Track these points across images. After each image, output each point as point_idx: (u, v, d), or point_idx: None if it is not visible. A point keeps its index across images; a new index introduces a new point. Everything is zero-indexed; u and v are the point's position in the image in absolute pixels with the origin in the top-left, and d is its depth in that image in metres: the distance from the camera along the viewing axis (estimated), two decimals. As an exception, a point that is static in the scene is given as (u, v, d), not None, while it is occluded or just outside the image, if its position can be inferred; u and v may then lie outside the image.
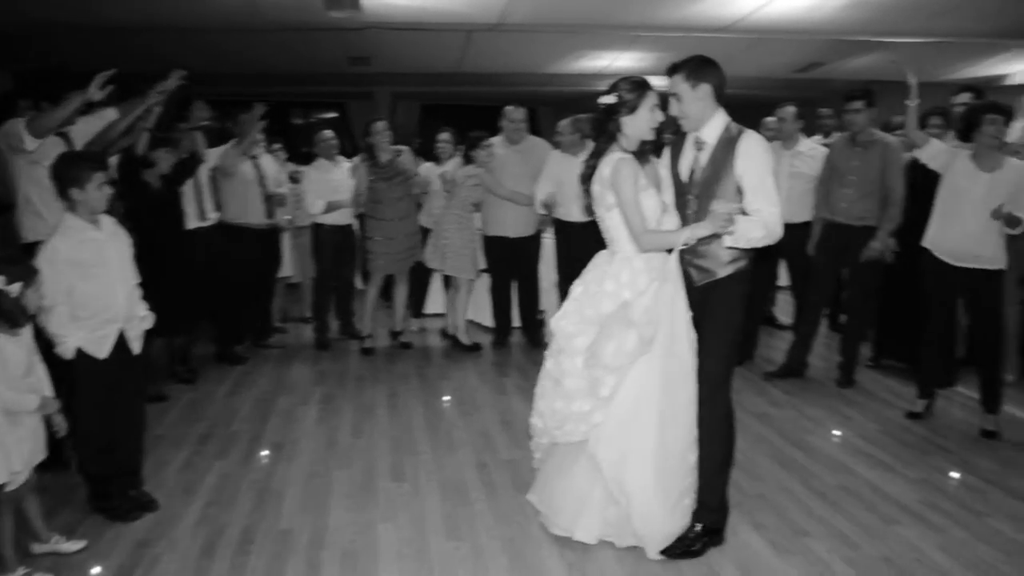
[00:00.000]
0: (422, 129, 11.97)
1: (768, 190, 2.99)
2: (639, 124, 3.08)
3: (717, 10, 6.30)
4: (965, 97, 5.78)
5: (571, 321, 3.18)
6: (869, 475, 3.84)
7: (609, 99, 3.08)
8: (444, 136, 6.76)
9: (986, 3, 6.00)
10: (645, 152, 3.16)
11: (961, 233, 4.33)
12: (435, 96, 13.20)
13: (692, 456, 3.10)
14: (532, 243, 6.19)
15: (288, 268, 6.87)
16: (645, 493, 3.01)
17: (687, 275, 3.07)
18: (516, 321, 6.55)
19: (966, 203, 4.30)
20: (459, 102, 13.80)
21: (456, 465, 4.00)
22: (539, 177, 5.92)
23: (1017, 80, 8.33)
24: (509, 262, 6.25)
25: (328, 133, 6.44)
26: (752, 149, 3.00)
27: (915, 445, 4.28)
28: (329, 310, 6.51)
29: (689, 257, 3.07)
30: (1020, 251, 5.09)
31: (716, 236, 2.95)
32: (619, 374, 3.00)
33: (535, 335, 6.37)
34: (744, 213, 2.94)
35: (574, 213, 5.81)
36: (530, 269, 6.29)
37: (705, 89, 3.01)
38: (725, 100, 3.10)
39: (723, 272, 3.08)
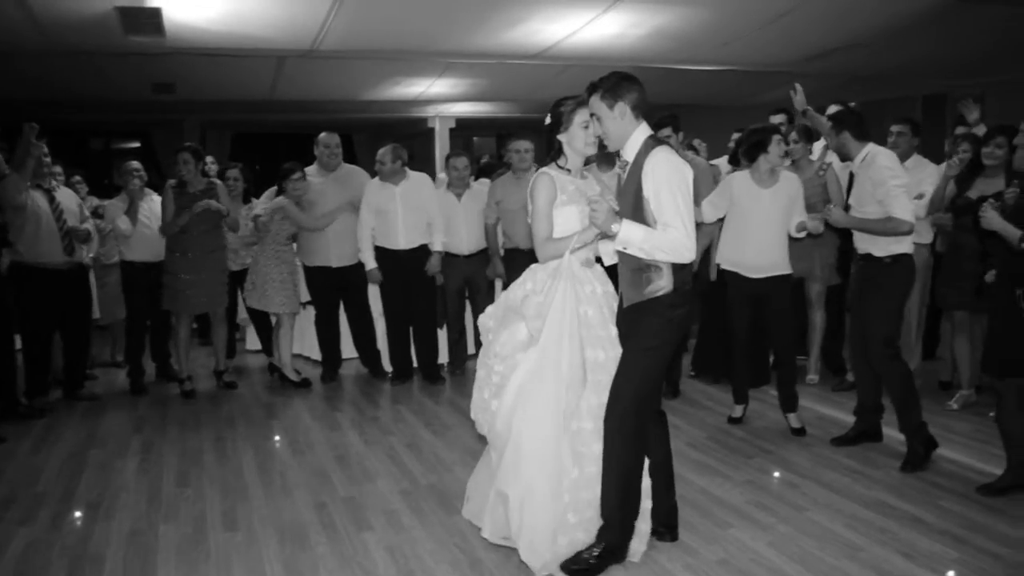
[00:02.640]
0: (233, 159, 11.54)
1: (672, 209, 2.89)
2: (573, 141, 3.19)
3: (528, 38, 6.53)
4: (780, 118, 6.28)
5: (490, 315, 3.35)
6: (701, 482, 4.04)
7: (547, 119, 3.23)
8: (233, 173, 6.47)
9: (756, 38, 6.66)
10: (601, 163, 3.26)
11: (755, 247, 4.67)
12: (247, 124, 12.78)
13: (587, 469, 3.09)
14: (356, 272, 6.05)
15: (95, 309, 6.37)
16: (522, 492, 3.04)
17: (621, 296, 3.17)
18: (348, 353, 6.41)
19: (753, 219, 4.66)
20: (272, 131, 13.45)
21: (292, 508, 3.83)
22: (359, 206, 5.84)
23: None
24: (334, 292, 6.10)
25: (134, 164, 6.03)
26: (657, 167, 2.92)
27: (739, 449, 4.55)
28: (144, 352, 6.09)
29: (624, 277, 3.11)
30: (823, 258, 5.58)
31: (606, 236, 3.01)
32: (508, 363, 3.16)
33: (376, 367, 6.25)
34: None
35: (399, 241, 5.80)
36: (359, 298, 6.16)
37: (622, 107, 2.97)
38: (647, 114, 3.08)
39: (638, 297, 3.01)
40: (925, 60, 7.76)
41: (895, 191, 4.05)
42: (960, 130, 5.50)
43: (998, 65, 8.04)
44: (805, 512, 3.68)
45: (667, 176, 2.91)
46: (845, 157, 4.37)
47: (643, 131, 3.02)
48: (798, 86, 5.26)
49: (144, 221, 5.87)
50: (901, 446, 4.35)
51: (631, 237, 2.91)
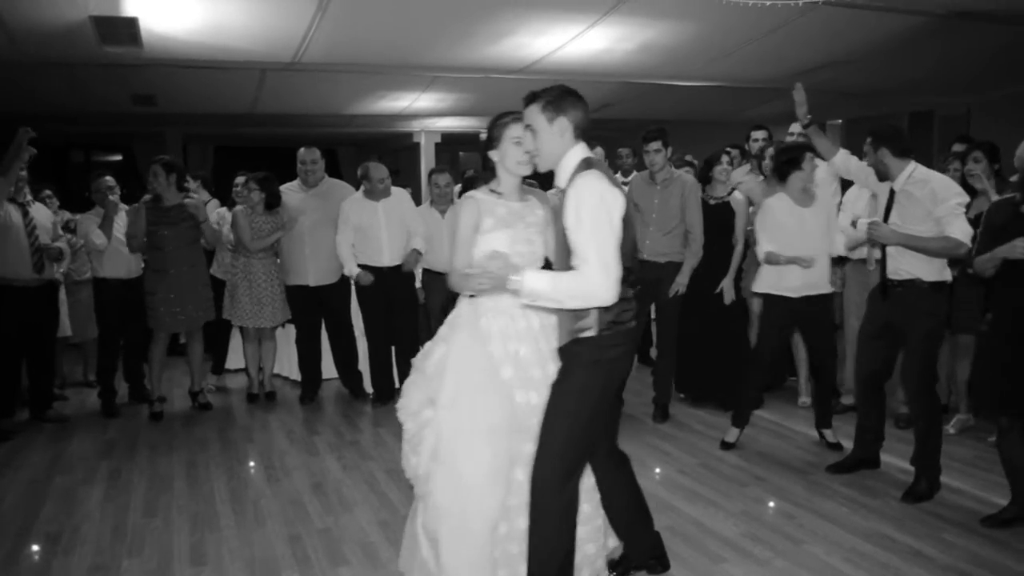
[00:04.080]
0: (215, 172, 11.39)
1: (588, 244, 2.50)
2: (505, 158, 2.90)
3: (514, 52, 6.42)
4: (760, 134, 6.17)
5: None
6: (693, 512, 3.87)
7: (482, 135, 2.97)
8: (241, 180, 6.29)
9: (745, 54, 6.59)
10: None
11: (801, 268, 4.52)
12: (229, 138, 12.62)
13: (516, 522, 2.82)
14: (336, 290, 5.89)
15: (66, 327, 6.15)
16: (439, 547, 2.79)
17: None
18: (328, 373, 6.22)
19: (796, 239, 4.52)
20: (255, 144, 13.29)
21: (264, 540, 3.63)
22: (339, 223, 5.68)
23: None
24: (314, 311, 5.93)
25: (108, 179, 5.81)
26: (578, 193, 2.55)
27: (732, 476, 4.38)
28: (116, 372, 5.86)
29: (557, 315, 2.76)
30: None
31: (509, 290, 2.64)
32: (418, 420, 2.89)
33: (357, 388, 6.06)
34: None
35: (383, 258, 5.65)
36: (340, 317, 5.98)
37: (563, 124, 2.63)
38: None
39: (566, 337, 2.69)
40: (912, 78, 7.72)
41: (958, 210, 3.83)
42: (956, 147, 5.39)
43: (984, 83, 8.01)
44: (802, 545, 3.51)
45: (587, 204, 2.52)
46: (883, 176, 4.09)
47: (579, 152, 2.66)
48: (801, 91, 4.69)
49: (119, 237, 5.68)
50: (900, 474, 4.22)
51: (536, 289, 2.54)
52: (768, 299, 4.73)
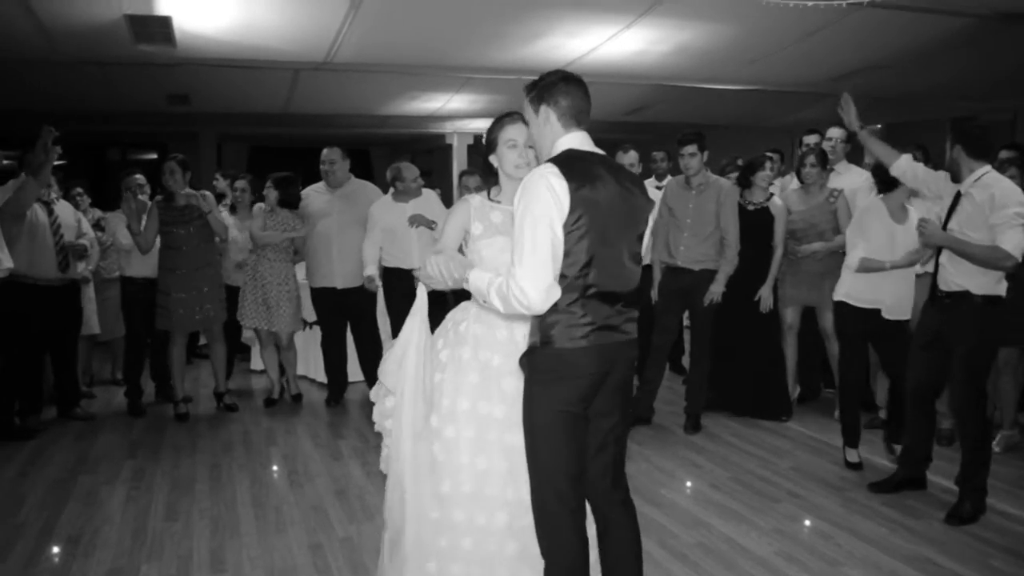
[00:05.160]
0: (250, 172, 11.42)
1: (520, 245, 2.27)
2: (502, 163, 2.78)
3: (548, 53, 6.33)
4: (812, 139, 6.00)
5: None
6: (725, 528, 3.73)
7: (483, 139, 2.85)
8: (241, 184, 6.23)
9: (782, 57, 6.45)
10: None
11: (892, 286, 4.39)
12: (264, 138, 12.65)
13: (461, 541, 2.65)
14: (363, 293, 5.79)
15: (95, 325, 6.15)
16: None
17: None
18: (355, 376, 6.16)
19: (885, 253, 4.34)
20: (290, 144, 13.31)
21: (285, 548, 3.56)
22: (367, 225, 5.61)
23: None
24: (340, 314, 5.85)
25: (138, 177, 5.82)
26: (523, 189, 2.31)
27: (764, 492, 4.24)
28: (143, 372, 5.85)
29: None
30: (834, 287, 5.27)
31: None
32: (386, 434, 2.81)
33: (383, 390, 5.98)
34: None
35: (415, 261, 5.57)
36: (366, 320, 5.91)
37: (546, 112, 2.44)
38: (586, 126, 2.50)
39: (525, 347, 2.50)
40: (953, 82, 7.51)
41: (1016, 220, 3.59)
42: (1004, 154, 5.18)
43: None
44: (840, 568, 3.36)
45: (523, 200, 2.29)
46: (955, 175, 3.86)
47: (565, 142, 2.43)
48: (849, 99, 4.40)
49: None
50: (945, 494, 4.05)
51: (477, 286, 2.40)
52: (854, 312, 4.48)
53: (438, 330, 2.87)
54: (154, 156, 14.02)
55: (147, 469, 4.58)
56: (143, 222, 5.44)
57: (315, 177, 5.93)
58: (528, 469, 2.46)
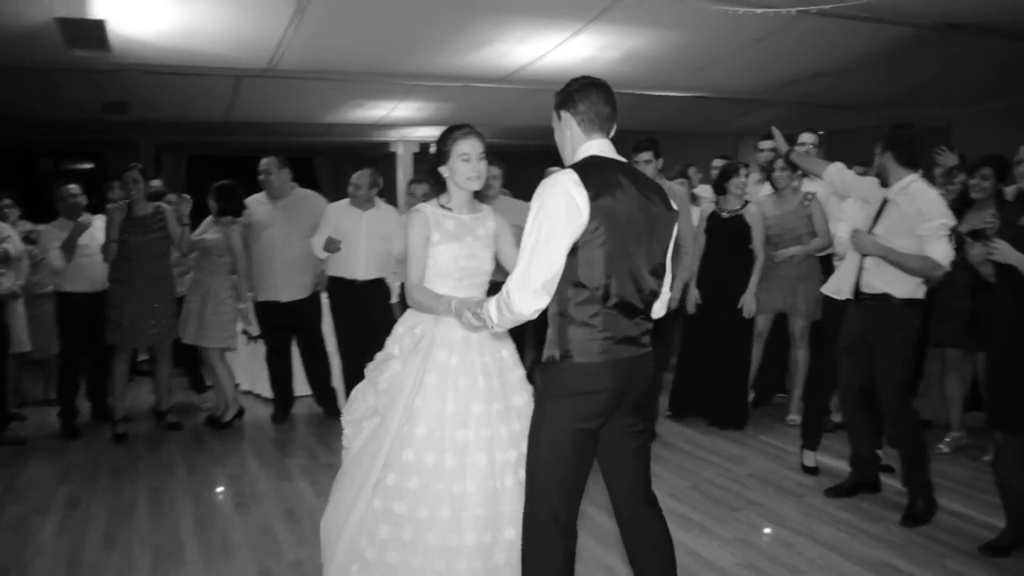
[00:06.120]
0: (190, 182, 11.13)
1: (523, 247, 2.27)
2: (454, 175, 2.83)
3: (495, 60, 6.26)
4: (768, 144, 6.01)
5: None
6: (686, 539, 3.67)
7: (432, 149, 2.89)
8: (172, 198, 6.05)
9: (730, 64, 6.50)
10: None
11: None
12: (205, 146, 12.35)
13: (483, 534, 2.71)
14: (308, 305, 5.66)
15: (25, 342, 5.86)
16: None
17: None
18: (301, 390, 5.99)
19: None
20: (231, 153, 13.02)
21: (233, 575, 3.40)
22: (314, 232, 5.47)
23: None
24: (285, 328, 5.69)
25: (72, 188, 5.58)
26: (537, 195, 2.30)
27: (724, 500, 4.20)
28: (78, 391, 5.58)
29: None
30: (808, 292, 5.28)
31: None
32: (355, 427, 2.92)
33: (331, 405, 5.81)
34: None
35: (358, 271, 5.45)
36: (311, 334, 5.75)
37: (566, 119, 2.43)
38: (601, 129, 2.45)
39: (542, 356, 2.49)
40: (891, 90, 7.65)
41: (942, 231, 3.71)
42: (951, 161, 5.29)
43: (965, 96, 7.94)
44: (802, 575, 3.34)
45: (539, 205, 2.26)
46: (883, 180, 3.95)
47: (587, 149, 2.40)
48: (775, 131, 4.82)
49: (83, 249, 5.43)
50: (899, 496, 4.06)
51: (492, 316, 2.35)
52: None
53: (390, 338, 2.95)
54: (90, 166, 13.60)
55: (82, 495, 4.35)
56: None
57: (258, 187, 5.76)
58: (525, 481, 2.45)
